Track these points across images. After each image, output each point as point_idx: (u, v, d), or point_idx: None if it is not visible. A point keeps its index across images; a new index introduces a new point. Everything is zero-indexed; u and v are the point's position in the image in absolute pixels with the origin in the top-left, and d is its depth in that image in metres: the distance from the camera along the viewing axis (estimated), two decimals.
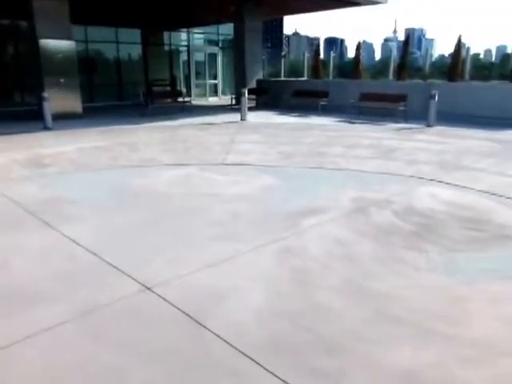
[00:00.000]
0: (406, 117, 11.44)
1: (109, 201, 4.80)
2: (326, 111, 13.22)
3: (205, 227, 3.98)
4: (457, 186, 5.31)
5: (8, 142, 8.45)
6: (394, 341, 2.32)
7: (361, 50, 15.53)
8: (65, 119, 11.10)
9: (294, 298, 2.77)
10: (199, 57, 20.79)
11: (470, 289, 2.86)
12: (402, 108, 11.65)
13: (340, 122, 11.69)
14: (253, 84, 16.12)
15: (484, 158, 6.86)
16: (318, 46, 19.01)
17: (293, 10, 18.29)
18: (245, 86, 14.08)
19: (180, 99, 15.03)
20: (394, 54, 17.12)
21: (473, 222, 4.11)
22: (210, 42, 21.38)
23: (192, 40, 20.72)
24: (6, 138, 8.94)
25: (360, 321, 2.51)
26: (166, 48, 20.25)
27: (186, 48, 20.56)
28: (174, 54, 20.55)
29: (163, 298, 2.73)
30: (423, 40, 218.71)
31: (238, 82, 16.39)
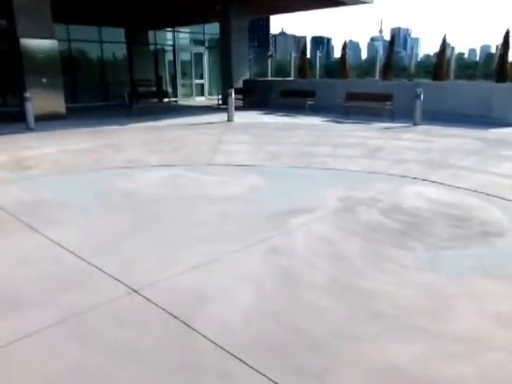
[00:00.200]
0: (393, 116, 11.54)
1: (94, 203, 4.73)
2: (314, 111, 13.26)
3: (192, 228, 3.95)
4: (442, 184, 5.37)
5: None
6: (380, 338, 2.34)
7: (347, 50, 15.57)
8: (48, 120, 10.93)
9: (281, 297, 2.76)
10: (185, 56, 20.69)
11: (456, 286, 2.89)
12: (388, 107, 11.75)
13: (327, 121, 11.74)
14: (239, 84, 16.10)
15: (469, 156, 6.96)
16: (305, 45, 18.97)
17: (279, 9, 18.31)
18: (231, 86, 14.06)
19: (166, 99, 14.94)
20: (380, 53, 17.26)
21: (458, 219, 4.16)
22: (196, 42, 21.28)
23: (178, 39, 20.57)
24: None
25: (347, 319, 2.52)
26: (152, 47, 20.08)
27: (171, 47, 20.41)
28: (159, 54, 20.38)
29: (150, 300, 2.70)
30: (409, 39, 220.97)
31: (224, 81, 16.35)
